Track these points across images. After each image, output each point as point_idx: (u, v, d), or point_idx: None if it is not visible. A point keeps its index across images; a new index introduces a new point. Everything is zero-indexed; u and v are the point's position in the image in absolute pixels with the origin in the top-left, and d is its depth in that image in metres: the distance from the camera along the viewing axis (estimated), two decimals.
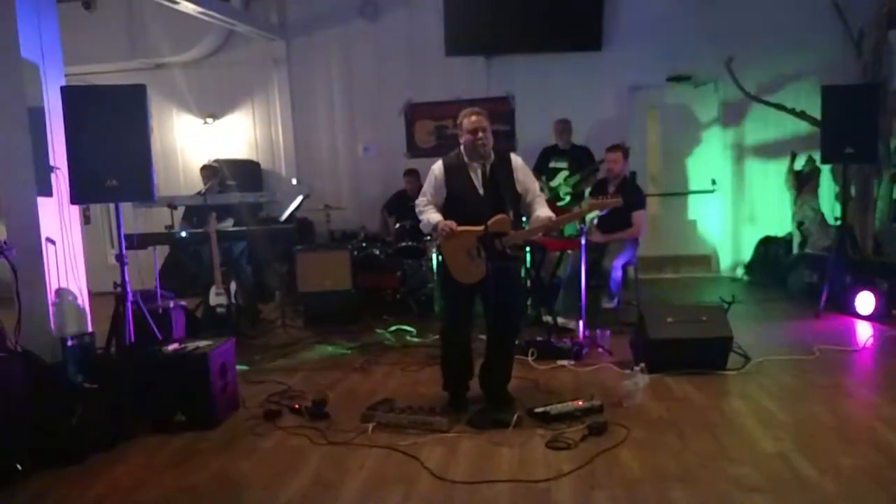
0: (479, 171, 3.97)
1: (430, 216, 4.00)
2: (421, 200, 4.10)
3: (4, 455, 3.34)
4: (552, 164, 7.44)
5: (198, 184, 7.22)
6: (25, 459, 3.41)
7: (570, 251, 6.20)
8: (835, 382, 4.39)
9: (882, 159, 6.88)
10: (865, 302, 5.87)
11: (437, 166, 4.07)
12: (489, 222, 3.82)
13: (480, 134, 3.88)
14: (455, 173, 4.00)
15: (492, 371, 4.13)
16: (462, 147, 4.00)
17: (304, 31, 8.92)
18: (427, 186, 4.09)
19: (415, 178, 7.74)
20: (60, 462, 3.50)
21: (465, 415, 3.92)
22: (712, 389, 4.28)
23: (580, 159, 7.30)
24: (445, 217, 3.95)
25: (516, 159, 4.11)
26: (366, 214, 8.44)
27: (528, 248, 5.47)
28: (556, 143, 7.55)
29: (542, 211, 4.01)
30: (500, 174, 3.95)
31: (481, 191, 3.96)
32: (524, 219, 4.24)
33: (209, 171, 7.07)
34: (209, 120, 9.14)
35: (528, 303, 6.09)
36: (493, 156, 3.98)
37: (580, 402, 3.87)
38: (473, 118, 3.91)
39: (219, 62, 9.06)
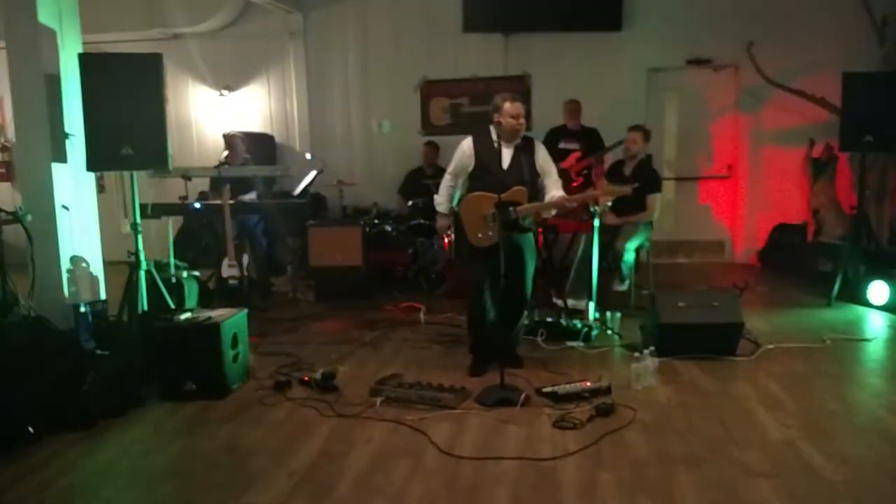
0: (506, 150, 4.18)
1: (442, 207, 4.52)
2: (447, 178, 4.47)
3: (17, 419, 3.39)
4: (562, 146, 7.12)
5: (212, 156, 7.19)
6: (37, 423, 3.46)
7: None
8: (844, 371, 4.38)
9: None
10: (879, 291, 5.82)
11: (467, 143, 4.34)
12: (507, 192, 4.04)
13: (521, 119, 4.17)
14: (484, 147, 4.23)
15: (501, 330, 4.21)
16: (497, 127, 4.19)
17: (321, 4, 8.83)
18: (454, 162, 4.41)
19: (433, 149, 7.82)
20: (71, 427, 3.54)
21: (474, 386, 3.96)
22: (721, 375, 4.27)
23: (591, 141, 7.16)
24: (469, 186, 4.29)
25: (539, 145, 4.39)
26: (379, 191, 8.40)
27: (539, 229, 5.45)
28: (565, 123, 7.34)
29: (557, 191, 4.27)
30: (525, 155, 4.26)
31: (505, 165, 4.15)
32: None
33: (238, 140, 7.04)
34: (224, 92, 9.10)
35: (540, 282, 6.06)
36: (520, 138, 4.27)
37: (588, 383, 3.88)
38: (517, 104, 4.17)
39: (235, 34, 9.00)
